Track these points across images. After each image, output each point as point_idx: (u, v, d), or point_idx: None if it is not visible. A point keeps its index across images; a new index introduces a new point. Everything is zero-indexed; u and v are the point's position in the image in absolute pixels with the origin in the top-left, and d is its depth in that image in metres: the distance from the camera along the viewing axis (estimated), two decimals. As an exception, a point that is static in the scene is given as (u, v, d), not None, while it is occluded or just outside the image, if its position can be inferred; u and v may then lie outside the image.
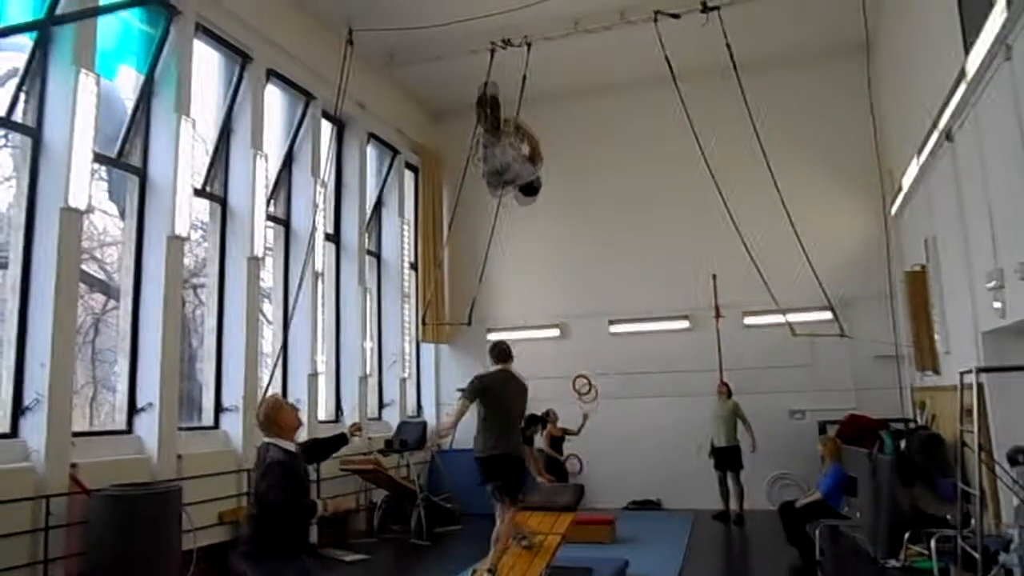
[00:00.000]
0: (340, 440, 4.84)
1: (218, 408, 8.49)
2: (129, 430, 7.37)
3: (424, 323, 11.75)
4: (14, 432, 6.25)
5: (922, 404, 9.41)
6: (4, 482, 5.79)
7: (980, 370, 5.85)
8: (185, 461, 7.49)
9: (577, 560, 7.07)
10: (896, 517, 7.32)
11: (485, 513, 9.14)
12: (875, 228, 11.07)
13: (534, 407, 7.60)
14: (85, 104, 6.65)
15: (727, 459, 10.35)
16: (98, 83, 6.81)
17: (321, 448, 4.80)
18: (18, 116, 6.58)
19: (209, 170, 8.77)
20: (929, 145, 7.82)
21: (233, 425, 8.42)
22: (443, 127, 13.25)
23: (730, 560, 8.95)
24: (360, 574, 8.20)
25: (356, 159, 11.34)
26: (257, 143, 9.00)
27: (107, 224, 8.06)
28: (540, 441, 10.40)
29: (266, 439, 4.33)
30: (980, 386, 5.98)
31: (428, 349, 13.07)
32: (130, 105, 7.84)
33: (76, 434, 6.55)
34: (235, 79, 9.03)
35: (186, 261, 8.27)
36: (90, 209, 6.89)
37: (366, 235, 11.54)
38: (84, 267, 7.28)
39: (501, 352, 6.60)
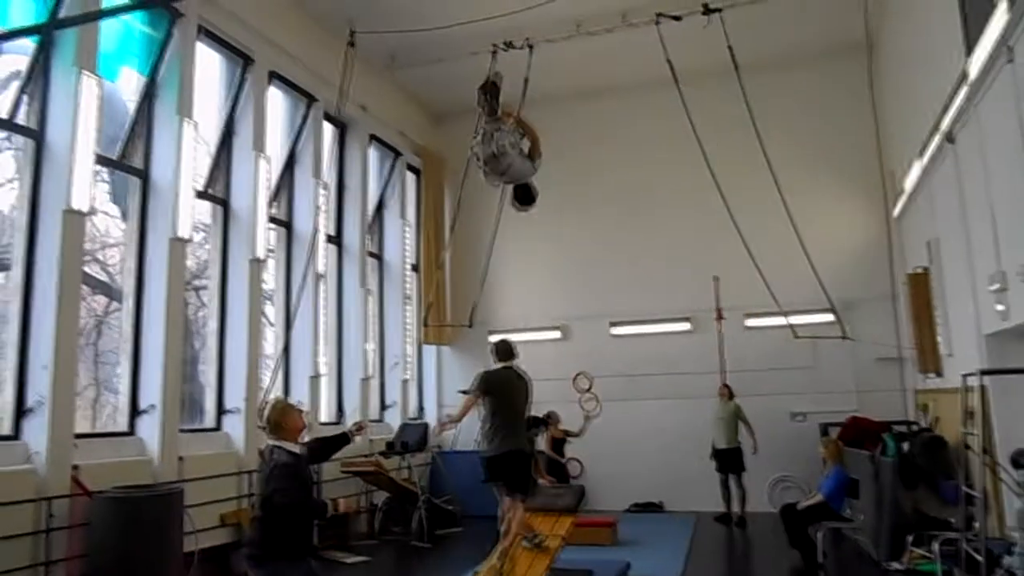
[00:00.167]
0: (342, 440, 4.85)
1: (220, 410, 8.50)
2: (131, 432, 7.37)
3: (426, 325, 11.72)
4: (16, 434, 6.25)
5: (925, 406, 9.39)
6: (6, 484, 5.79)
7: (983, 372, 5.85)
8: (187, 463, 7.49)
9: (578, 563, 7.06)
10: (899, 520, 7.31)
11: (486, 515, 9.17)
12: (877, 230, 11.05)
13: (535, 409, 7.59)
14: (87, 106, 6.66)
15: (729, 461, 10.34)
16: (100, 85, 6.82)
17: (325, 448, 4.79)
18: (21, 118, 6.58)
19: (211, 172, 8.78)
20: (931, 147, 7.82)
21: (235, 427, 8.42)
22: (445, 129, 13.26)
23: (732, 563, 8.93)
24: (361, 576, 8.21)
25: (358, 161, 11.35)
26: (259, 145, 9.01)
27: (109, 226, 8.06)
28: (541, 443, 10.38)
29: (271, 442, 4.33)
30: (983, 388, 5.98)
31: (430, 351, 13.07)
32: (132, 107, 7.85)
33: (78, 436, 6.55)
34: (237, 81, 9.04)
35: (188, 263, 8.27)
36: (92, 211, 6.89)
37: (368, 237, 11.54)
38: (86, 269, 7.28)
39: (505, 350, 6.63)
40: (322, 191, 9.94)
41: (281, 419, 4.37)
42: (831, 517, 7.76)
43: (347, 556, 8.68)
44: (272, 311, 9.89)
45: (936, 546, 6.38)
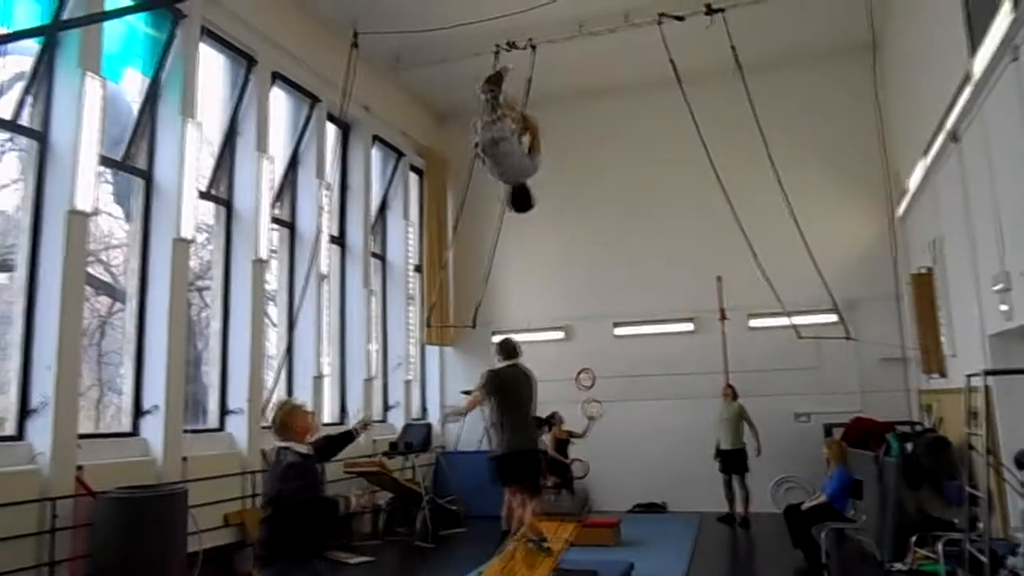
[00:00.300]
0: (348, 437, 4.87)
1: (223, 410, 8.51)
2: (135, 432, 7.39)
3: (429, 325, 11.75)
4: (20, 434, 6.26)
5: (928, 407, 9.37)
6: (10, 484, 5.81)
7: (987, 373, 5.83)
8: (190, 463, 7.50)
9: (582, 563, 7.05)
10: (902, 520, 7.29)
11: (490, 515, 9.18)
12: (881, 230, 11.03)
13: (538, 410, 7.60)
14: (91, 107, 6.68)
15: (733, 462, 10.33)
16: (104, 86, 6.83)
17: (331, 446, 4.80)
18: (25, 119, 6.60)
19: (214, 173, 8.79)
20: (935, 147, 7.80)
21: (238, 427, 8.43)
22: (448, 130, 13.27)
23: (736, 563, 8.92)
24: (365, 576, 8.21)
25: (361, 162, 11.36)
26: (262, 146, 9.02)
27: (113, 227, 8.08)
28: (545, 443, 10.38)
29: (279, 443, 4.34)
30: (987, 389, 5.96)
31: (433, 351, 13.08)
32: (136, 108, 7.86)
33: (82, 436, 6.56)
34: (240, 82, 9.05)
35: (191, 264, 8.29)
36: (96, 212, 6.90)
37: (371, 237, 11.55)
38: (90, 270, 7.29)
39: (510, 348, 6.64)
40: (325, 191, 9.95)
41: (288, 420, 4.38)
42: (835, 518, 7.74)
43: (351, 556, 8.68)
44: (275, 311, 9.90)
45: (940, 547, 6.36)
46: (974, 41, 6.19)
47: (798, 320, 8.91)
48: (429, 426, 11.58)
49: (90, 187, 6.63)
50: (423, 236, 12.87)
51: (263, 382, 8.75)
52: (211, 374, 8.60)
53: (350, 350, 10.94)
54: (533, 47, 8.36)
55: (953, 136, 7.13)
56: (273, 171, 9.27)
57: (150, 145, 7.90)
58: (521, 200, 6.01)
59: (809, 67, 11.66)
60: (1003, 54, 5.52)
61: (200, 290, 9.08)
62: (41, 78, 6.70)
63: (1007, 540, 5.98)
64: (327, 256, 10.24)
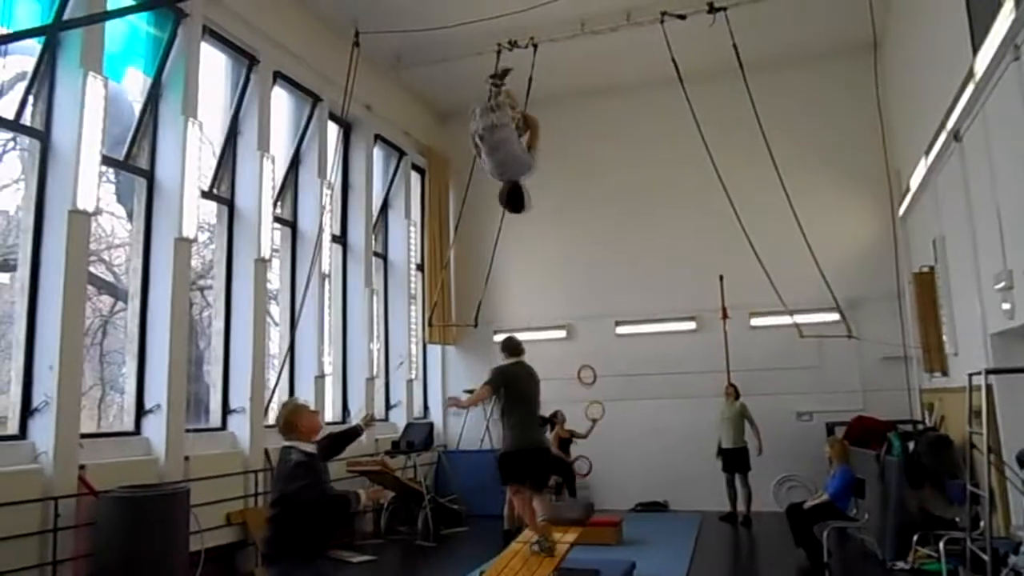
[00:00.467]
0: (354, 432, 4.89)
1: (225, 410, 8.51)
2: (137, 432, 7.39)
3: (430, 324, 11.76)
4: (23, 434, 6.27)
5: (930, 406, 9.37)
6: (13, 483, 5.82)
7: (989, 371, 5.83)
8: (192, 462, 7.51)
9: (584, 562, 7.06)
10: (904, 519, 7.30)
11: (492, 514, 9.20)
12: (883, 229, 11.02)
13: (540, 408, 7.60)
14: (93, 107, 6.68)
15: (735, 460, 10.33)
16: (106, 86, 6.84)
17: (337, 442, 4.81)
18: (27, 119, 6.60)
19: (216, 172, 8.79)
20: (937, 145, 7.79)
21: (240, 426, 8.43)
22: (450, 129, 13.26)
23: (737, 562, 8.92)
24: (367, 575, 8.21)
25: (363, 161, 11.36)
26: (264, 145, 9.02)
27: (115, 226, 8.10)
28: (548, 442, 10.38)
29: (286, 442, 4.35)
30: (989, 387, 5.96)
31: (434, 350, 13.08)
32: (138, 108, 7.87)
33: (84, 435, 6.57)
34: (242, 81, 9.06)
35: (193, 263, 8.29)
36: (98, 211, 6.91)
37: (373, 237, 11.56)
38: (92, 269, 7.30)
39: (514, 346, 6.67)
40: (327, 191, 9.96)
41: (293, 419, 4.39)
42: (837, 516, 7.74)
43: (353, 555, 8.69)
44: (277, 311, 9.91)
45: (942, 545, 6.36)
46: (976, 40, 6.18)
47: (800, 319, 8.92)
48: (431, 425, 11.59)
49: (92, 187, 6.63)
50: (425, 235, 12.87)
51: (265, 381, 8.77)
52: (213, 373, 8.61)
53: (352, 349, 10.95)
54: (535, 46, 8.37)
55: (955, 135, 7.13)
56: (275, 170, 9.27)
57: (152, 144, 7.90)
58: (515, 199, 5.91)
59: (810, 66, 11.65)
60: (1005, 53, 5.52)
61: (202, 289, 9.10)
62: (43, 78, 6.70)
63: (1009, 538, 5.98)
64: (329, 255, 10.25)
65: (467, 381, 12.04)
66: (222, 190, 8.88)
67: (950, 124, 7.16)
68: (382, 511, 10.12)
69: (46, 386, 6.28)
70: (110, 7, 7.09)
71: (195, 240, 8.01)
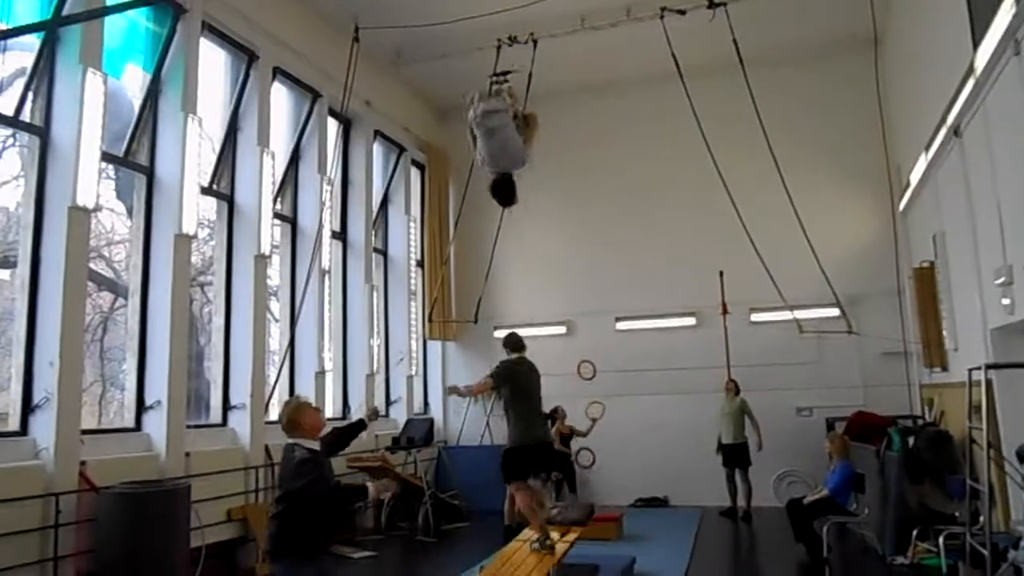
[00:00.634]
0: (359, 426, 4.91)
1: (226, 406, 8.52)
2: (138, 428, 7.40)
3: (431, 320, 11.76)
4: (24, 430, 6.27)
5: (930, 401, 9.38)
6: (14, 480, 5.82)
7: (989, 367, 5.83)
8: (193, 458, 7.52)
9: (584, 557, 7.07)
10: (904, 514, 7.31)
11: (492, 510, 9.22)
12: (883, 224, 11.02)
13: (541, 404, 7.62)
14: (93, 103, 6.67)
15: (735, 456, 10.35)
16: (105, 82, 6.83)
17: (342, 437, 4.82)
18: (26, 115, 6.59)
19: (216, 168, 8.78)
20: (937, 141, 7.79)
21: (241, 423, 8.44)
22: (450, 125, 13.24)
23: (738, 557, 8.94)
24: (368, 571, 8.23)
25: (363, 157, 11.36)
26: (264, 141, 9.01)
27: (115, 222, 8.09)
28: (551, 437, 10.38)
29: (290, 440, 4.38)
30: (989, 383, 5.96)
31: (435, 346, 13.09)
32: (137, 104, 7.86)
33: (85, 432, 6.58)
34: (241, 77, 9.04)
35: (193, 259, 8.29)
36: (98, 208, 6.90)
37: (373, 233, 11.55)
38: (92, 265, 7.30)
39: (516, 342, 6.70)
40: (327, 187, 9.95)
41: (297, 417, 4.42)
42: (837, 512, 7.75)
43: (354, 551, 8.71)
44: (277, 307, 9.91)
45: (941, 540, 6.37)
46: (976, 35, 6.18)
47: (800, 315, 8.93)
48: (431, 421, 11.60)
49: (92, 183, 6.62)
50: (425, 231, 12.87)
51: (265, 377, 8.77)
52: (213, 370, 8.61)
53: (352, 345, 10.95)
54: (534, 42, 8.37)
55: (955, 131, 7.13)
56: (274, 166, 9.26)
57: (151, 141, 7.89)
58: (504, 190, 5.86)
59: (810, 62, 11.63)
60: (1005, 48, 5.52)
61: (202, 286, 9.09)
62: (42, 74, 6.69)
63: (1008, 534, 5.99)
64: (329, 251, 10.25)
65: (467, 377, 12.00)
66: (222, 186, 8.87)
67: (950, 119, 7.16)
68: (383, 507, 10.13)
69: (47, 382, 6.28)
70: (109, 2, 7.07)
71: (195, 236, 8.00)
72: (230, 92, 9.09)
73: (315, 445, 4.40)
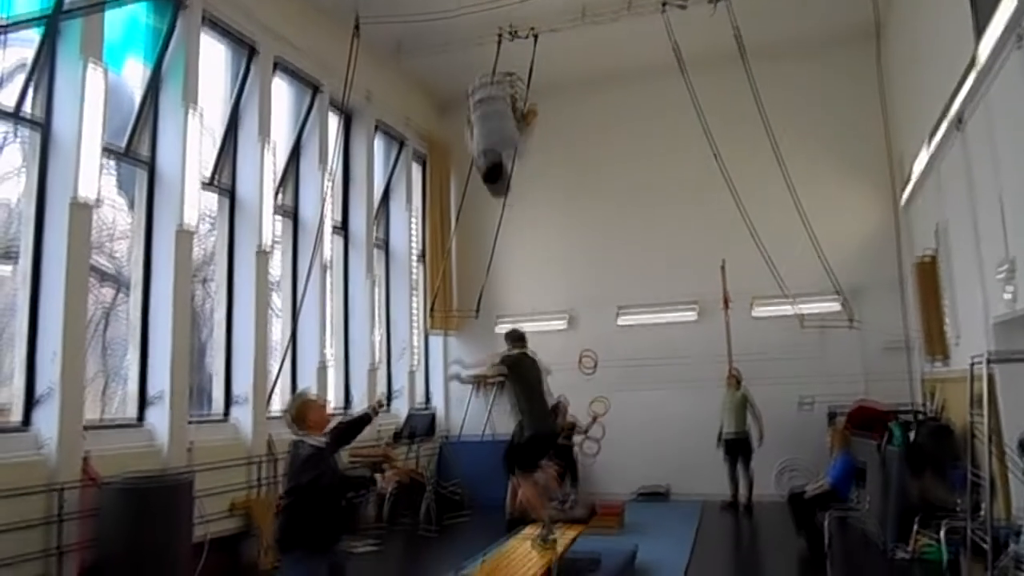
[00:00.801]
0: (365, 419, 4.93)
1: (228, 399, 8.54)
2: (140, 421, 7.42)
3: (432, 313, 11.76)
4: (27, 423, 6.30)
5: (932, 393, 9.38)
6: (18, 473, 5.85)
7: (991, 359, 5.83)
8: (196, 451, 7.54)
9: (586, 549, 7.09)
10: (905, 506, 7.31)
11: (494, 502, 9.24)
12: (885, 216, 11.02)
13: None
14: (93, 97, 6.66)
15: (737, 448, 10.37)
16: (106, 75, 6.82)
17: (348, 430, 4.85)
18: (27, 109, 6.59)
19: (217, 162, 8.78)
20: (940, 132, 7.77)
21: (243, 416, 8.46)
22: (450, 117, 13.20)
23: (739, 548, 8.97)
24: (370, 564, 8.25)
25: (363, 150, 11.34)
26: (265, 134, 9.00)
27: (116, 216, 8.08)
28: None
29: (296, 436, 4.41)
30: (990, 375, 5.96)
31: (436, 339, 13.10)
32: (138, 98, 7.85)
33: (87, 425, 6.60)
34: (242, 71, 9.03)
35: (195, 253, 8.29)
36: (99, 202, 6.90)
37: (374, 226, 11.55)
38: (94, 259, 7.30)
39: (518, 336, 6.78)
40: (328, 180, 9.94)
41: (304, 413, 4.48)
42: (838, 504, 7.76)
43: (356, 544, 8.72)
44: (278, 300, 9.91)
45: (942, 532, 6.38)
46: (979, 26, 6.15)
47: (801, 307, 8.93)
48: (433, 414, 11.62)
49: (93, 177, 6.62)
50: (426, 224, 12.86)
51: (267, 371, 8.78)
52: (216, 363, 8.63)
53: (354, 338, 10.96)
54: (535, 35, 8.35)
55: (958, 122, 7.10)
56: (275, 160, 9.26)
57: (152, 135, 7.89)
58: (496, 176, 5.82)
59: (813, 54, 11.59)
60: (1008, 39, 5.50)
61: (204, 280, 9.10)
62: (43, 68, 6.68)
63: (1009, 525, 5.99)
64: (330, 245, 10.25)
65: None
66: (223, 180, 8.87)
67: (953, 111, 7.14)
68: (385, 500, 10.16)
69: (49, 376, 6.30)
70: (109, -4, 7.06)
71: (196, 230, 8.00)
72: (231, 86, 9.08)
73: (321, 440, 4.44)
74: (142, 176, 7.81)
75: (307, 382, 9.48)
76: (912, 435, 7.80)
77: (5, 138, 6.76)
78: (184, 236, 7.73)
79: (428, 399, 12.99)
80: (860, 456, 8.11)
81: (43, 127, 6.64)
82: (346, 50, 8.53)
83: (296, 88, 10.24)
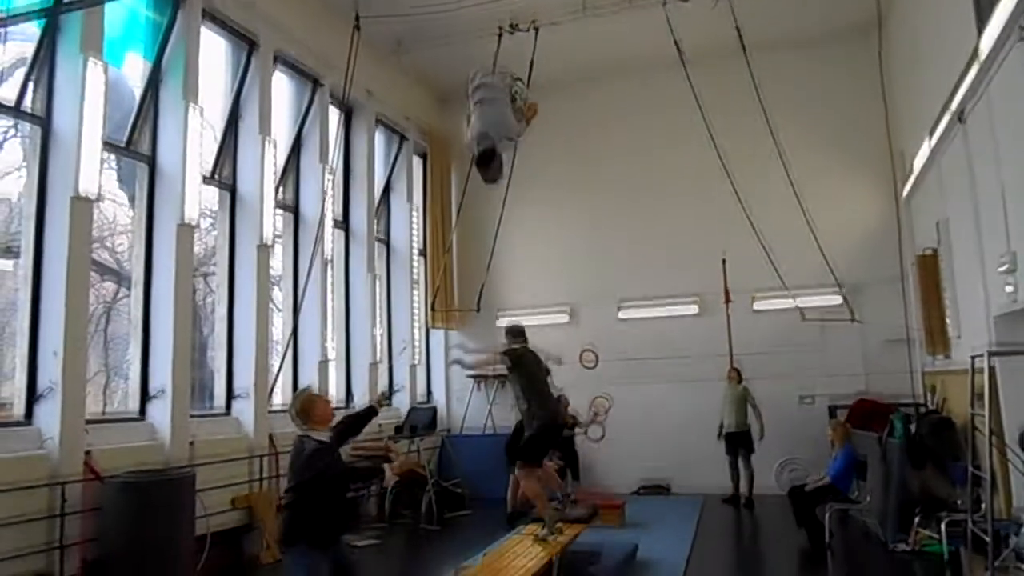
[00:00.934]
0: (369, 413, 4.93)
1: (230, 394, 8.55)
2: (142, 416, 7.43)
3: (433, 309, 11.75)
4: (29, 419, 6.31)
5: (933, 387, 9.38)
6: (20, 468, 5.86)
7: (992, 353, 5.83)
8: (198, 447, 7.54)
9: (587, 544, 7.10)
10: (906, 500, 7.32)
11: (495, 497, 9.24)
12: (886, 211, 10.99)
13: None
14: (94, 92, 6.65)
15: (738, 443, 10.38)
16: (106, 71, 6.81)
17: (353, 425, 4.86)
18: (27, 105, 6.58)
19: (217, 158, 8.77)
20: (941, 127, 7.76)
21: (245, 411, 8.47)
22: (451, 112, 13.18)
23: (740, 543, 8.98)
24: (371, 559, 8.27)
25: (364, 145, 11.33)
26: (265, 129, 8.99)
27: (117, 212, 8.08)
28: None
29: (300, 432, 4.43)
30: (991, 369, 5.96)
31: (437, 335, 13.10)
32: (138, 93, 7.84)
33: (89, 421, 6.60)
34: (242, 66, 9.02)
35: (196, 249, 8.29)
36: (100, 197, 6.90)
37: (375, 221, 11.54)
38: (95, 255, 7.30)
39: (519, 331, 6.80)
40: (329, 175, 9.93)
41: (309, 408, 4.51)
42: (839, 498, 7.77)
43: (358, 539, 8.74)
44: (280, 296, 9.91)
45: (943, 526, 6.38)
46: (981, 20, 6.13)
47: (802, 302, 8.91)
48: (434, 409, 11.63)
49: (94, 172, 6.62)
50: (427, 219, 12.85)
51: (269, 366, 8.79)
52: (217, 359, 8.64)
53: (355, 334, 10.96)
54: (536, 29, 8.32)
55: (959, 116, 7.09)
56: (276, 155, 9.25)
57: (153, 130, 7.88)
58: (487, 159, 5.66)
59: (814, 47, 11.56)
60: (1010, 33, 5.48)
61: (205, 276, 9.10)
62: (43, 63, 6.67)
63: (1010, 520, 6.00)
64: (331, 240, 10.23)
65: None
66: (224, 176, 8.86)
67: (954, 105, 7.12)
68: (386, 495, 10.17)
69: (51, 372, 6.31)
70: (109, -10, 7.04)
71: (197, 226, 8.00)
72: (231, 80, 9.06)
73: (325, 436, 4.46)
74: (143, 171, 7.81)
75: (308, 378, 9.49)
76: (913, 429, 7.80)
77: (6, 134, 6.76)
78: (185, 231, 7.73)
79: (429, 394, 12.99)
80: (861, 450, 8.11)
81: (43, 123, 6.64)
82: (346, 45, 8.50)
83: (296, 83, 10.22)
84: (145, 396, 7.46)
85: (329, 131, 10.33)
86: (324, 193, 9.69)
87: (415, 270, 12.49)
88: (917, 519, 6.99)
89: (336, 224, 10.75)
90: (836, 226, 10.31)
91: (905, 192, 10.29)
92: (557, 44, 9.55)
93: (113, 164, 7.77)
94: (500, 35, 7.62)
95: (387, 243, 12.32)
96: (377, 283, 11.37)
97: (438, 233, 12.72)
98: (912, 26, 9.29)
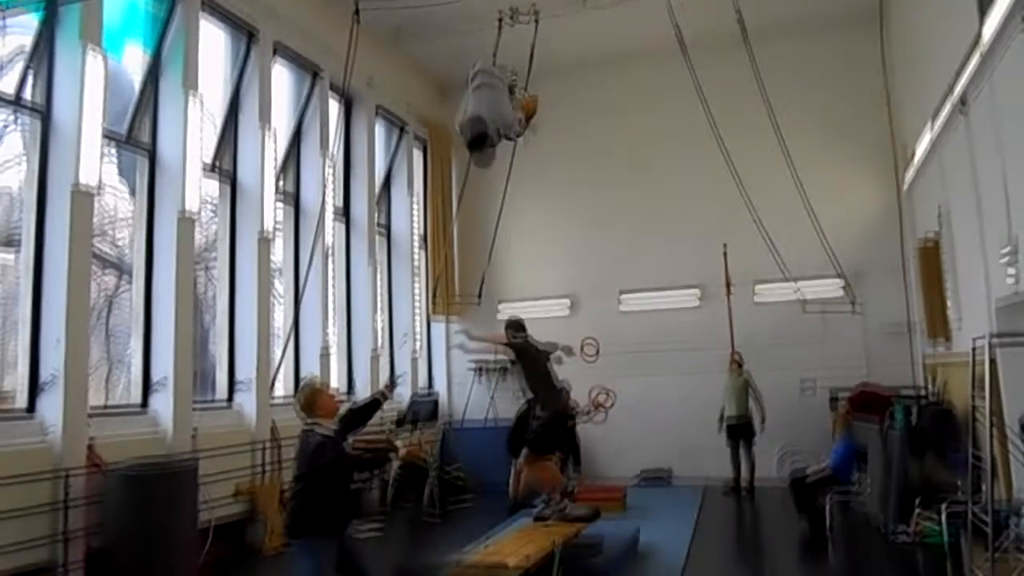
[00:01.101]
0: (375, 404, 4.96)
1: (232, 385, 8.56)
2: (144, 407, 7.45)
3: (434, 299, 11.75)
4: (31, 410, 6.33)
5: (934, 375, 9.39)
6: (23, 459, 5.88)
7: (993, 340, 5.82)
8: (200, 437, 7.57)
9: (589, 532, 7.11)
10: (906, 488, 7.33)
11: (497, 486, 9.28)
12: (888, 199, 10.98)
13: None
14: (93, 82, 6.65)
15: (739, 432, 10.40)
16: (106, 61, 6.79)
17: (360, 414, 4.88)
18: (27, 96, 6.57)
19: (218, 148, 8.76)
20: (943, 114, 7.73)
21: (247, 401, 8.49)
22: (452, 102, 13.08)
23: (741, 531, 9.01)
24: (373, 548, 8.29)
25: (364, 135, 11.31)
26: (265, 119, 8.97)
27: (117, 203, 8.07)
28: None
29: (306, 424, 4.46)
30: (992, 357, 5.96)
31: (438, 324, 13.10)
32: (138, 83, 7.82)
33: (92, 411, 6.62)
34: (242, 56, 8.99)
35: (196, 239, 8.29)
36: (100, 188, 6.90)
37: (376, 211, 11.52)
38: (96, 246, 7.30)
39: (519, 325, 6.82)
40: (329, 165, 9.91)
41: (314, 400, 4.55)
42: (839, 486, 7.79)
43: (359, 528, 8.76)
44: (281, 286, 9.91)
45: (943, 513, 6.40)
46: (983, 7, 6.10)
47: (804, 290, 8.91)
48: (436, 399, 11.64)
49: (94, 163, 6.62)
50: (428, 209, 12.83)
51: (270, 356, 8.80)
52: (219, 349, 8.65)
53: (356, 324, 10.97)
54: (537, 20, 8.28)
55: (961, 104, 7.06)
56: (276, 145, 9.24)
57: (153, 121, 7.86)
58: (480, 143, 5.54)
59: (816, 35, 11.51)
60: (1013, 20, 5.45)
61: (206, 266, 9.10)
62: (42, 54, 6.66)
63: (1010, 507, 6.01)
64: (332, 230, 10.24)
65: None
66: (224, 166, 8.85)
67: (956, 92, 7.10)
68: (389, 484, 10.21)
69: (53, 362, 6.32)
70: (108, -19, 7.01)
71: (198, 217, 7.99)
72: (231, 71, 9.04)
73: (331, 428, 4.48)
74: (143, 162, 7.80)
75: (310, 368, 9.49)
76: (914, 417, 7.81)
77: (5, 125, 6.75)
78: (186, 222, 7.73)
79: (431, 384, 13.00)
80: (862, 438, 8.12)
81: (43, 114, 6.63)
82: (346, 34, 8.46)
83: (296, 73, 10.19)
84: (147, 387, 7.49)
85: (329, 121, 10.30)
86: (324, 184, 9.68)
87: (416, 260, 12.49)
88: (917, 507, 7.00)
89: (337, 215, 10.75)
90: (837, 215, 10.30)
91: (907, 180, 10.27)
92: (558, 34, 9.51)
93: (113, 155, 7.75)
94: (500, 22, 7.58)
95: (388, 234, 12.31)
96: (378, 273, 11.37)
97: (439, 223, 12.71)
98: (914, 13, 9.25)
